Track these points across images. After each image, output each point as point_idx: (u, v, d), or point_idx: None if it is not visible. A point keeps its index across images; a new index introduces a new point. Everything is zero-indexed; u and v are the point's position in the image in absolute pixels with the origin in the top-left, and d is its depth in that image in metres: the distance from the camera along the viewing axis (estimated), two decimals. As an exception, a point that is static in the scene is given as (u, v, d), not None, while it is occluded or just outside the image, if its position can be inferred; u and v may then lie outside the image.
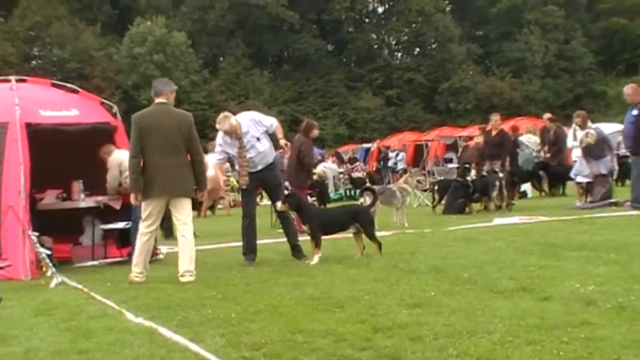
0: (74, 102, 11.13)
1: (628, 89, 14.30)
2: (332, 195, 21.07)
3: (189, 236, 8.64)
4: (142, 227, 8.68)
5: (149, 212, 8.62)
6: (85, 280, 8.77)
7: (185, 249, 8.55)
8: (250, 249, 9.85)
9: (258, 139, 9.79)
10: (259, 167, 9.87)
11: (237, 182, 10.75)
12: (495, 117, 17.83)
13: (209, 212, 22.21)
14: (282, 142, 10.11)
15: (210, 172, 20.66)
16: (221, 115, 9.81)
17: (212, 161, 20.88)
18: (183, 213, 8.68)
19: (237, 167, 10.02)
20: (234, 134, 9.68)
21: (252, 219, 9.97)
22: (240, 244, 10.03)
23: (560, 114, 37.34)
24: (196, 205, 21.84)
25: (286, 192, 10.86)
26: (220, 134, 9.91)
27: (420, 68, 68.79)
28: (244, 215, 9.99)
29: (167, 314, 6.30)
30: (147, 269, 8.78)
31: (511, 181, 17.36)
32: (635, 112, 13.80)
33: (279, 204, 9.48)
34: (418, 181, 15.71)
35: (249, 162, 9.76)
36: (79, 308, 7.00)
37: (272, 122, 10.06)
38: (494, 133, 17.61)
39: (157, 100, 8.84)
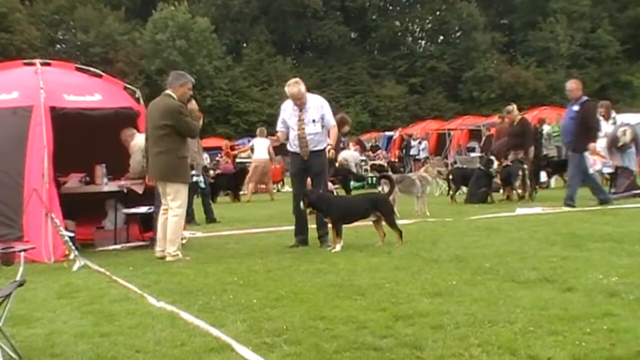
0: (97, 87, 11.17)
1: (571, 84, 14.08)
2: (352, 184, 21.02)
3: (170, 219, 9.18)
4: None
5: (160, 193, 9.45)
6: (108, 264, 8.83)
7: (167, 230, 9.19)
8: (299, 230, 10.12)
9: (314, 120, 9.93)
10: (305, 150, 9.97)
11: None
12: (510, 108, 17.45)
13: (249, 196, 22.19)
14: (329, 147, 10.09)
15: (263, 155, 21.00)
16: (292, 80, 10.09)
17: (260, 146, 21.15)
18: (168, 197, 9.27)
19: (291, 142, 10.06)
20: (299, 100, 9.87)
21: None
22: (262, 230, 10.11)
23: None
24: (231, 191, 22.06)
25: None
26: (284, 105, 10.20)
27: (444, 56, 68.46)
28: (294, 197, 10.29)
29: (188, 299, 6.33)
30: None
31: (535, 171, 17.22)
32: (576, 107, 13.57)
33: (302, 205, 9.53)
34: (439, 171, 15.60)
35: (299, 139, 9.92)
36: (101, 291, 7.05)
37: (332, 119, 10.20)
38: (515, 123, 17.36)
39: (165, 91, 9.43)
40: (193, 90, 9.67)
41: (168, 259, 9.00)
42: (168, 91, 9.32)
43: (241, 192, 22.75)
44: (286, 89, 9.98)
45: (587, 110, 13.47)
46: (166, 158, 9.17)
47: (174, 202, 9.18)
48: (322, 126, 9.99)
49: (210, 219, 14.63)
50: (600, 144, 16.58)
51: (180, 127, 9.16)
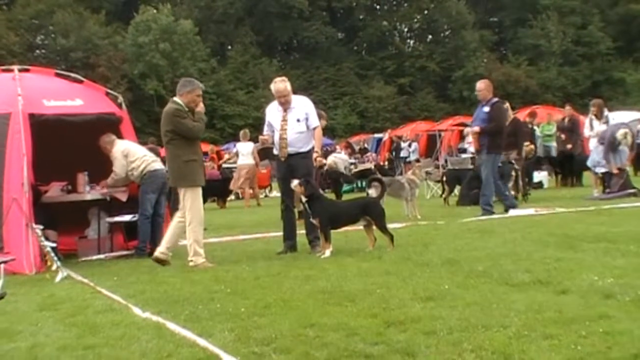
0: (78, 92, 11.15)
1: (480, 84, 13.92)
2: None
3: (174, 221, 9.43)
4: None
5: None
6: (91, 274, 8.79)
7: (169, 230, 9.53)
8: (288, 235, 10.11)
9: (298, 120, 9.95)
10: (289, 150, 9.94)
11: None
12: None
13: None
14: (315, 155, 10.06)
15: (247, 160, 20.94)
16: (279, 77, 10.20)
17: (245, 150, 21.10)
18: (181, 202, 9.37)
19: (276, 144, 10.07)
20: (284, 97, 9.92)
21: (289, 204, 10.23)
22: (249, 236, 10.09)
23: (578, 103, 37.11)
24: (217, 197, 22.05)
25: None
26: (269, 107, 10.30)
27: (433, 55, 68.72)
28: (281, 202, 10.38)
29: (175, 309, 6.31)
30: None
31: (528, 171, 17.25)
32: (486, 109, 13.44)
33: (294, 182, 9.45)
34: (427, 172, 15.59)
35: (280, 140, 9.97)
36: (85, 302, 7.02)
37: (316, 120, 10.16)
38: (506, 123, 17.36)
39: (173, 98, 9.53)
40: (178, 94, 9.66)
41: (190, 264, 9.07)
42: (175, 98, 9.38)
43: (229, 199, 22.76)
44: (272, 85, 10.03)
45: (497, 111, 13.41)
46: (173, 163, 9.33)
47: (184, 207, 9.28)
48: (307, 126, 9.98)
49: None
50: (593, 143, 16.68)
51: (179, 130, 9.18)
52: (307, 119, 9.98)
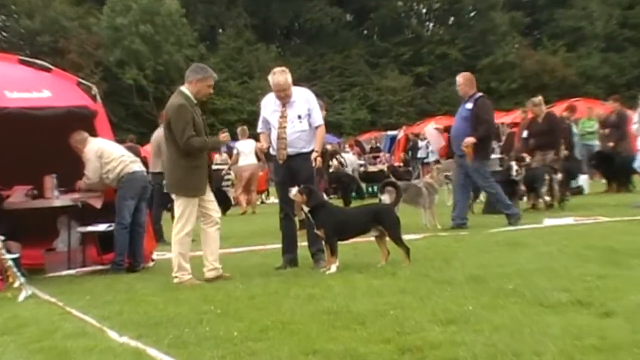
0: (45, 82, 11.14)
1: (460, 78, 13.81)
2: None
3: (173, 233, 9.42)
4: None
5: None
6: (61, 293, 8.79)
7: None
8: (287, 248, 10.14)
9: (299, 116, 9.97)
10: (289, 151, 9.96)
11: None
12: (536, 100, 17.41)
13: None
14: (314, 155, 10.04)
15: (251, 160, 20.96)
16: (278, 68, 10.13)
17: (246, 149, 21.10)
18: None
19: (273, 144, 10.08)
20: (284, 92, 9.91)
21: (288, 212, 10.23)
22: (243, 249, 10.09)
23: (624, 94, 37.09)
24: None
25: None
26: (264, 100, 10.30)
27: (455, 41, 68.69)
28: (280, 209, 10.34)
29: (157, 332, 6.31)
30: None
31: (567, 174, 17.25)
32: (469, 105, 13.42)
33: (293, 190, 9.44)
34: (446, 176, 15.59)
35: (278, 140, 9.98)
36: (52, 325, 7.02)
37: (319, 117, 10.21)
38: (539, 119, 17.28)
39: (180, 87, 9.52)
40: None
41: (175, 281, 9.16)
42: (182, 87, 9.37)
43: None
44: (270, 77, 9.99)
45: (483, 108, 13.36)
46: (172, 167, 9.40)
47: (178, 215, 9.38)
48: (310, 124, 10.00)
49: None
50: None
51: (173, 129, 9.16)
52: (309, 116, 9.99)
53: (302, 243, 10.16)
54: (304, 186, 9.47)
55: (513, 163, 16.39)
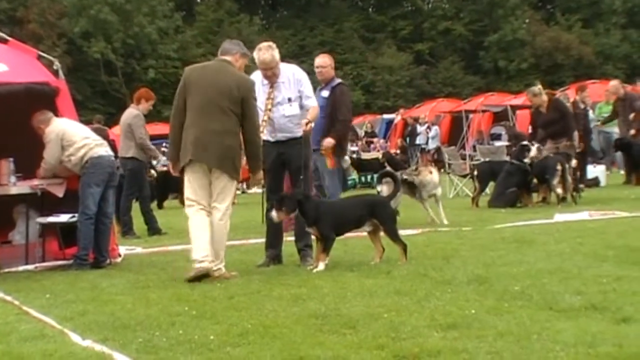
0: (1, 55, 11.10)
1: (326, 59, 13.26)
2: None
3: (217, 223, 9.10)
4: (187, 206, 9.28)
5: (189, 186, 9.19)
6: (17, 290, 8.78)
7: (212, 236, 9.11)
8: (271, 243, 10.14)
9: (289, 99, 9.99)
10: (278, 136, 10.01)
11: None
12: (535, 89, 17.20)
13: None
14: (305, 120, 9.98)
15: None
16: (264, 44, 10.06)
17: None
18: (215, 191, 9.14)
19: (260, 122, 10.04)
20: (270, 70, 9.90)
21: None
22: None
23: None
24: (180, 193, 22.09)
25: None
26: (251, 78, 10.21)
27: (460, 15, 68.68)
28: (266, 199, 10.41)
29: (124, 336, 6.31)
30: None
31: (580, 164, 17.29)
32: (325, 93, 12.88)
33: (274, 215, 9.42)
34: (449, 164, 15.55)
35: (267, 121, 9.99)
36: (7, 327, 7.00)
37: (313, 98, 10.28)
38: (543, 109, 17.12)
39: (222, 57, 9.46)
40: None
41: (216, 274, 8.96)
42: (227, 58, 9.37)
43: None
44: (255, 54, 9.95)
45: (342, 98, 13.00)
46: (230, 142, 9.16)
47: (222, 201, 9.16)
48: (301, 106, 9.99)
49: (153, 229, 14.63)
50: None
51: (250, 113, 9.20)
52: (300, 98, 10.01)
53: (288, 238, 10.17)
54: (277, 199, 9.52)
55: (532, 145, 16.17)
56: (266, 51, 9.86)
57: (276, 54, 9.90)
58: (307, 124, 9.93)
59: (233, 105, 9.06)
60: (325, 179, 12.80)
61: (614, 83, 22.58)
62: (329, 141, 12.36)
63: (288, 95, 9.97)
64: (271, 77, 9.93)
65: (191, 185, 9.16)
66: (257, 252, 10.36)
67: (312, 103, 10.16)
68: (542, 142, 16.59)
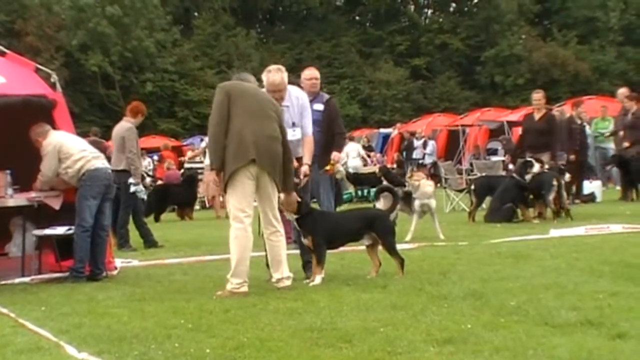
0: None
1: (315, 72, 12.51)
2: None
3: (274, 243, 9.10)
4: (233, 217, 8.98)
5: (238, 192, 8.90)
6: (13, 303, 8.77)
7: (275, 253, 9.09)
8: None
9: (294, 124, 10.04)
10: None
11: None
12: (536, 96, 17.54)
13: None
14: (304, 168, 10.01)
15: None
16: (274, 66, 10.05)
17: None
18: (270, 204, 9.08)
19: None
20: (279, 93, 9.85)
21: None
22: (218, 257, 10.08)
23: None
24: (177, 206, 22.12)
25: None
26: None
27: (457, 30, 68.73)
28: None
29: (120, 348, 6.30)
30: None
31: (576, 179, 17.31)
32: (319, 106, 12.12)
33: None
34: (445, 179, 15.55)
35: None
36: (3, 339, 6.99)
37: (309, 127, 10.30)
38: (537, 116, 17.38)
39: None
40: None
41: (285, 283, 8.98)
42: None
43: (196, 208, 22.78)
44: (264, 75, 9.93)
45: (334, 112, 12.97)
46: (277, 146, 9.09)
47: (277, 218, 9.18)
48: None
49: (149, 242, 14.61)
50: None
51: (284, 132, 9.26)
52: (302, 125, 10.12)
53: (290, 252, 10.18)
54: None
55: (534, 162, 16.12)
56: (276, 73, 9.86)
57: (285, 77, 9.90)
58: (304, 171, 9.98)
59: (276, 115, 9.16)
60: (321, 194, 12.77)
61: (622, 90, 22.77)
62: (337, 155, 12.43)
63: (292, 120, 10.04)
64: (278, 100, 9.90)
65: (242, 190, 8.90)
66: (254, 265, 10.33)
67: (308, 132, 10.20)
68: (522, 153, 16.79)
